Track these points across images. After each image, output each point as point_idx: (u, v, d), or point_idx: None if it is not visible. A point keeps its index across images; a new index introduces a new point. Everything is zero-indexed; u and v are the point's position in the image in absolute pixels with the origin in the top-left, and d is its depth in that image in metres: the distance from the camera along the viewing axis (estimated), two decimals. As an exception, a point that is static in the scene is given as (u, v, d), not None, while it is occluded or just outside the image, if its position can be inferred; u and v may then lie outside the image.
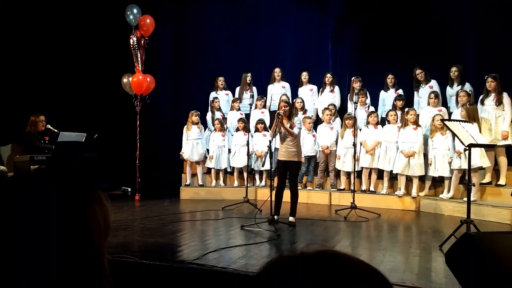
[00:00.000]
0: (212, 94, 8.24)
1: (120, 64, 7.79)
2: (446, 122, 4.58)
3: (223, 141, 7.69)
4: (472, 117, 5.86)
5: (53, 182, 0.74)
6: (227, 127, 7.90)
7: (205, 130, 7.97)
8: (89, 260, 0.72)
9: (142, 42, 7.64)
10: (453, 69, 6.82)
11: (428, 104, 6.78)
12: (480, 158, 5.84)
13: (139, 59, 7.62)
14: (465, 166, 5.72)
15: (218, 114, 7.93)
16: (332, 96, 7.79)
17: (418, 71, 7.06)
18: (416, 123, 6.54)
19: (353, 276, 0.58)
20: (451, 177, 6.25)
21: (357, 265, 0.60)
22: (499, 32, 6.81)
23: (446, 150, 6.31)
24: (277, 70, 8.05)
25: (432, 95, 6.69)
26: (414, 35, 7.43)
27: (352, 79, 7.59)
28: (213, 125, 7.84)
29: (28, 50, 7.77)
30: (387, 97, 7.48)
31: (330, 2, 8.39)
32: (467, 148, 4.24)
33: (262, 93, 8.18)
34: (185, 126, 7.68)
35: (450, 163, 6.22)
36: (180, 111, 8.29)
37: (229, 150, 7.78)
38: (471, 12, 7.17)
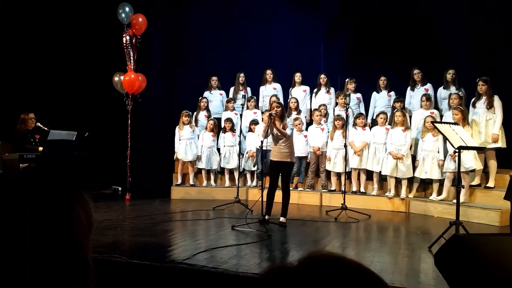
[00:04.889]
0: (206, 94, 8.23)
1: (111, 62, 7.74)
2: (437, 125, 4.61)
3: (213, 141, 7.68)
4: (467, 119, 5.94)
5: (38, 181, 0.74)
6: (221, 128, 7.89)
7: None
8: (73, 257, 0.72)
9: (134, 40, 7.60)
10: (451, 71, 6.82)
11: (421, 106, 6.82)
12: (474, 161, 5.91)
13: (131, 58, 7.58)
14: (461, 169, 5.88)
15: (202, 114, 7.90)
16: (328, 97, 7.82)
17: (415, 71, 7.10)
18: (405, 125, 6.58)
19: (354, 281, 0.59)
20: (440, 180, 6.30)
21: (358, 270, 0.61)
22: (490, 36, 6.88)
23: (436, 152, 6.35)
24: (268, 71, 8.06)
25: (424, 98, 6.74)
26: (406, 37, 7.48)
27: (346, 80, 7.62)
28: (196, 124, 7.86)
29: (19, 48, 7.68)
30: (379, 99, 7.53)
31: (322, 4, 8.42)
32: (457, 150, 4.27)
33: (254, 93, 8.18)
34: (177, 126, 7.66)
35: (440, 165, 6.26)
36: (171, 110, 8.26)
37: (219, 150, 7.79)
38: (463, 16, 7.22)
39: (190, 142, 7.59)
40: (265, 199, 5.22)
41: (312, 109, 7.75)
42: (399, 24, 7.55)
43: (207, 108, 8.00)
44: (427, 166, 6.34)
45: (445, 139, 4.55)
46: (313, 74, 7.96)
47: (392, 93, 7.42)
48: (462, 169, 6.00)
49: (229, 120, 7.62)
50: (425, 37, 7.36)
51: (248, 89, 8.21)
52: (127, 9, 7.44)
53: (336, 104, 7.62)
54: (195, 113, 8.02)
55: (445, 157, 6.25)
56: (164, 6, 8.65)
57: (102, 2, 7.85)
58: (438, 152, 6.34)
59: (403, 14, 7.55)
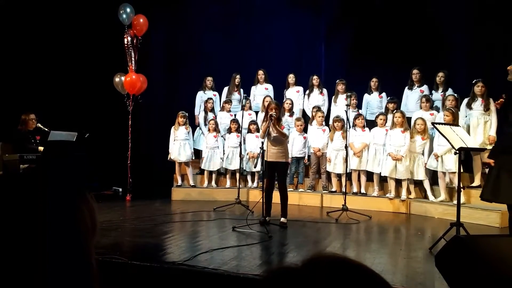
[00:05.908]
0: (200, 94, 8.21)
1: (112, 63, 7.74)
2: (437, 126, 4.61)
3: (216, 142, 7.67)
4: (457, 120, 5.96)
5: (40, 183, 0.74)
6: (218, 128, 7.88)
7: (193, 130, 7.93)
8: (77, 260, 0.72)
9: (135, 41, 7.61)
10: (440, 74, 6.90)
11: (420, 107, 6.82)
12: (454, 164, 5.90)
13: (132, 59, 7.58)
14: (440, 168, 6.18)
15: (211, 115, 7.89)
16: (322, 98, 7.81)
17: (414, 71, 7.09)
18: (405, 126, 6.58)
19: (358, 282, 0.59)
20: (425, 180, 6.43)
21: (362, 271, 0.61)
22: (485, 39, 6.88)
23: (421, 154, 6.45)
24: (260, 72, 8.07)
25: (424, 99, 6.73)
26: (405, 39, 7.47)
27: (336, 81, 7.62)
28: (205, 124, 7.83)
29: (20, 49, 7.69)
30: (371, 100, 7.53)
31: (323, 5, 8.42)
32: (457, 151, 4.27)
33: (248, 94, 8.16)
34: (173, 127, 7.66)
35: (426, 169, 6.37)
36: (172, 111, 8.25)
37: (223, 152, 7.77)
38: (460, 20, 7.22)
39: (184, 143, 7.58)
40: (264, 200, 5.22)
41: (307, 110, 7.77)
42: (399, 25, 7.55)
43: (213, 109, 7.99)
44: (411, 167, 6.43)
45: (446, 140, 4.53)
46: (313, 75, 7.94)
47: (384, 94, 7.43)
48: (442, 169, 6.13)
49: (235, 121, 7.61)
50: (426, 38, 7.36)
51: (241, 90, 8.20)
52: (128, 10, 7.45)
53: (330, 104, 7.71)
54: (202, 114, 7.99)
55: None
56: (165, 7, 8.66)
57: (103, 3, 7.86)
58: (423, 154, 6.45)
59: (403, 15, 7.55)
